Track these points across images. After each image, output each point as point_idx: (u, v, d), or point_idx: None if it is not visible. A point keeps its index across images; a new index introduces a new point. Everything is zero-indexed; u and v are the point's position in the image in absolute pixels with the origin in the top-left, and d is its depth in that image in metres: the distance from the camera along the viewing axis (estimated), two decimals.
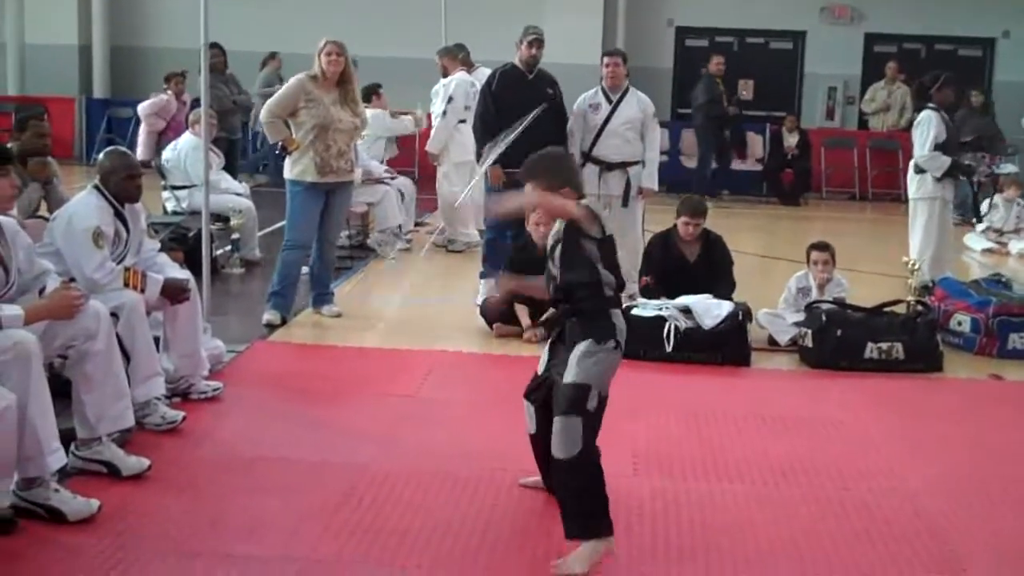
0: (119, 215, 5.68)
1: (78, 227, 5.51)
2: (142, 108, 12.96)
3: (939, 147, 9.07)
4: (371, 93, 11.53)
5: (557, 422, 4.29)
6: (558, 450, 4.28)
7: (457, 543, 4.47)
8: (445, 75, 11.10)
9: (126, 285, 5.53)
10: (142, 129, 13.08)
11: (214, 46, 12.84)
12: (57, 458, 4.51)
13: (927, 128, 9.06)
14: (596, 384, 4.31)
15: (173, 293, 5.75)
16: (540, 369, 4.73)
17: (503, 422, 5.72)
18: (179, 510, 4.70)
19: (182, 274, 5.98)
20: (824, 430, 6.07)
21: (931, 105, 9.20)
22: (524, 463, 5.00)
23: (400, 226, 10.96)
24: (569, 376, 4.33)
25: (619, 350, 4.40)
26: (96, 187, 5.67)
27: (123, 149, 6.10)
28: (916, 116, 9.43)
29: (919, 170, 9.19)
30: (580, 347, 4.34)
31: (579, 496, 4.28)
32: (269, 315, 7.91)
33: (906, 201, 9.77)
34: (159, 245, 6.22)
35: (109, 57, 18.10)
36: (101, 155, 5.89)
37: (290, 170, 7.88)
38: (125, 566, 4.15)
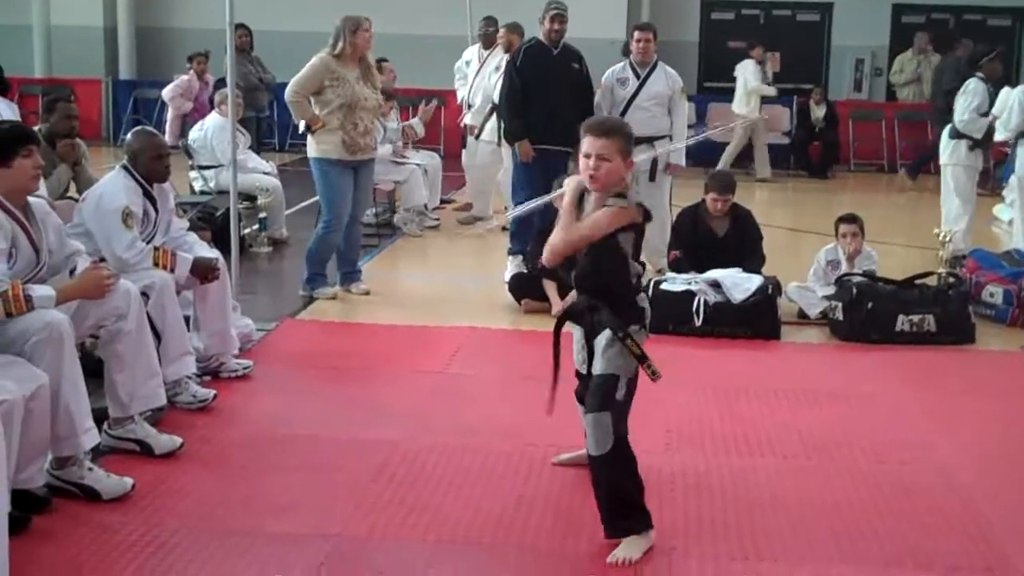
0: (148, 195, 5.69)
1: (107, 207, 5.53)
2: (167, 92, 12.98)
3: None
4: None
5: (587, 420, 4.21)
6: (592, 447, 4.19)
7: (489, 519, 4.47)
8: (508, 50, 10.91)
9: (156, 264, 5.54)
10: (169, 114, 13.12)
11: (240, 26, 12.87)
12: (90, 437, 4.53)
13: (972, 96, 9.23)
14: (623, 372, 4.20)
15: (203, 272, 5.76)
16: (580, 367, 4.54)
17: (533, 398, 5.67)
18: (212, 488, 4.72)
19: (211, 253, 5.99)
20: (856, 403, 6.03)
21: (980, 75, 9.33)
22: (555, 438, 5.00)
23: (426, 204, 10.96)
24: (597, 367, 4.24)
25: (643, 331, 4.29)
26: (125, 167, 5.69)
27: (151, 129, 6.12)
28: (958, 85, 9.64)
29: (955, 135, 9.24)
30: (604, 336, 4.22)
31: (616, 493, 4.20)
32: (323, 291, 7.98)
33: (936, 172, 9.79)
34: (188, 224, 6.23)
35: (135, 38, 18.13)
36: (129, 135, 5.91)
37: (315, 148, 7.87)
38: (159, 544, 4.16)
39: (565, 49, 8.79)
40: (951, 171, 9.38)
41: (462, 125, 11.60)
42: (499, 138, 10.34)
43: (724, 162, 15.07)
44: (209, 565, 4.02)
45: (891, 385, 6.41)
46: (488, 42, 11.52)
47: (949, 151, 9.38)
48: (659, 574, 4.08)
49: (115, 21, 18.03)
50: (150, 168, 5.68)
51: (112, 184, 5.65)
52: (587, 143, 4.17)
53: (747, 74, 15.24)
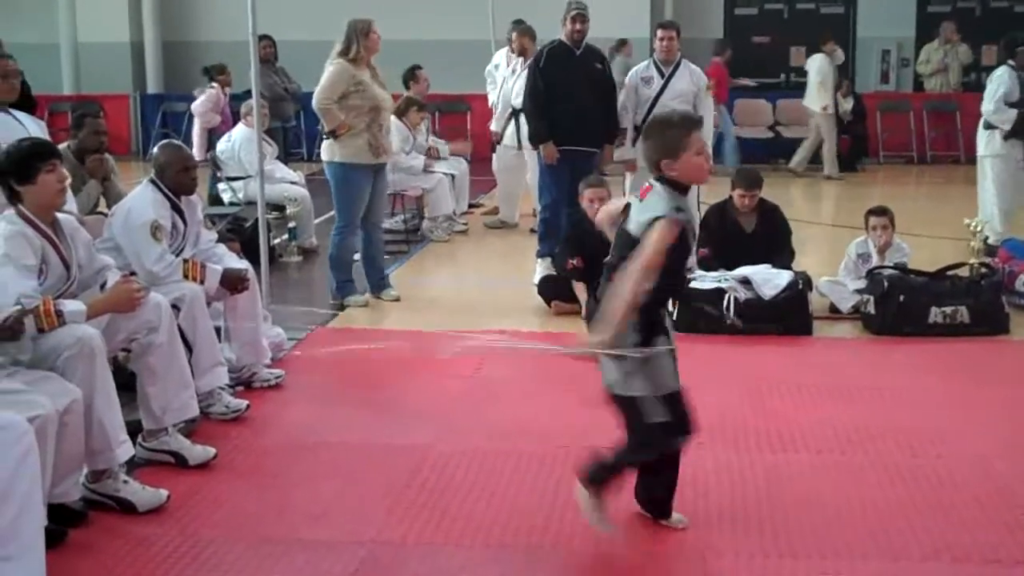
0: (176, 208, 5.73)
1: (136, 221, 5.56)
2: (196, 106, 13.03)
3: (1011, 106, 9.12)
4: (409, 77, 11.51)
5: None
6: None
7: (523, 523, 4.47)
8: (521, 54, 10.92)
9: (185, 277, 5.57)
10: (196, 128, 13.17)
11: (264, 37, 12.93)
12: (125, 450, 4.56)
13: (998, 84, 9.12)
14: (650, 391, 4.09)
15: (232, 283, 5.79)
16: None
17: (564, 400, 5.72)
18: (246, 497, 4.74)
19: (240, 264, 6.02)
20: (890, 397, 6.00)
21: (1011, 63, 9.23)
22: (587, 440, 4.98)
23: (454, 211, 10.98)
24: (619, 388, 4.12)
25: (667, 346, 4.14)
26: (152, 181, 5.72)
27: (177, 143, 6.15)
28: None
29: (988, 126, 9.16)
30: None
31: (621, 459, 4.22)
32: (355, 299, 8.03)
33: (967, 163, 9.71)
34: (216, 236, 6.27)
35: (161, 53, 18.26)
36: (156, 149, 5.94)
37: (339, 153, 7.84)
38: (194, 554, 4.19)
39: (588, 49, 8.81)
40: (988, 162, 9.30)
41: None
42: (519, 142, 10.38)
43: (799, 160, 14.97)
44: (244, 574, 4.05)
45: (925, 378, 6.37)
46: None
47: (984, 142, 9.31)
48: (693, 572, 4.06)
49: (141, 36, 18.18)
50: (177, 181, 5.71)
51: (140, 198, 5.69)
52: None
53: (819, 68, 14.88)
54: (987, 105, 9.12)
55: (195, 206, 5.91)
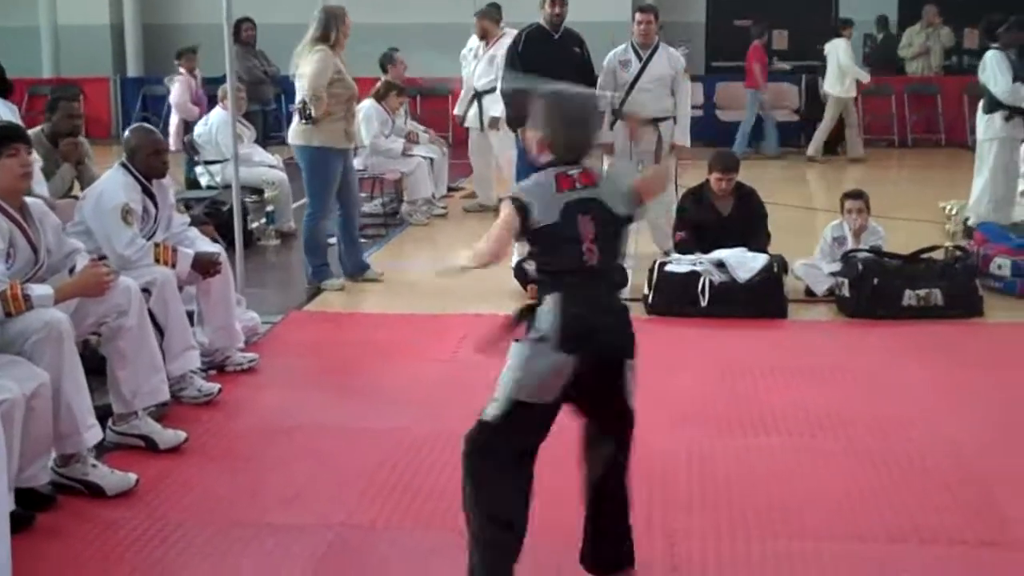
0: (147, 191, 5.71)
1: (107, 205, 5.55)
2: (174, 98, 12.90)
3: None
4: (387, 61, 11.47)
5: None
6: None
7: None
8: (483, 38, 10.91)
9: (157, 261, 5.55)
10: (173, 119, 13.08)
11: (245, 20, 12.88)
12: (93, 434, 4.55)
13: (998, 67, 8.99)
14: (504, 390, 3.58)
15: (204, 267, 5.78)
16: None
17: None
18: (216, 481, 4.74)
19: (212, 247, 6.00)
20: (862, 380, 6.02)
21: (995, 45, 9.16)
22: (562, 424, 4.97)
23: (433, 194, 10.97)
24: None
25: (544, 343, 3.52)
26: (123, 164, 5.70)
27: (148, 126, 6.12)
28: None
29: (989, 109, 9.11)
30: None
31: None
32: (331, 283, 8.05)
33: (947, 146, 9.67)
34: (189, 220, 6.25)
35: (142, 35, 18.16)
36: (126, 132, 5.92)
37: (316, 138, 7.82)
38: (163, 538, 4.19)
39: (566, 33, 8.78)
40: (988, 146, 9.24)
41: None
42: (481, 124, 10.44)
43: (815, 144, 14.95)
44: (213, 558, 4.05)
45: (898, 361, 6.38)
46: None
47: (983, 126, 9.24)
48: (661, 554, 4.07)
49: (121, 19, 18.09)
50: (148, 164, 5.69)
51: (111, 182, 5.67)
52: None
53: (840, 53, 14.78)
54: (998, 88, 9.00)
55: (166, 190, 5.89)
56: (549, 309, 3.55)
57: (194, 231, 6.08)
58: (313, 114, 7.75)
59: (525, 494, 3.60)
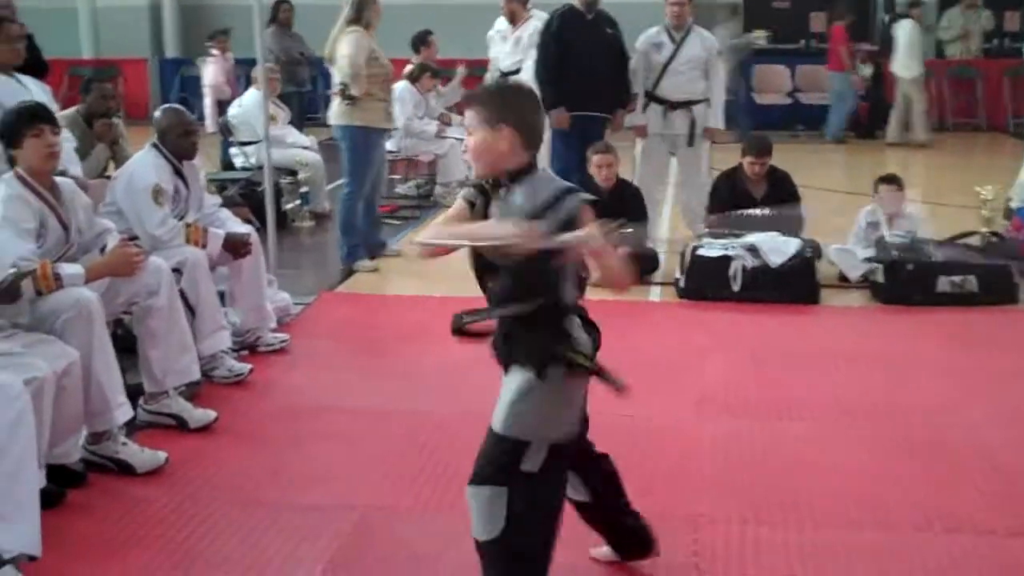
0: (178, 172, 5.75)
1: (138, 185, 5.59)
2: (208, 78, 12.94)
3: None
4: (420, 42, 11.46)
5: (469, 492, 3.25)
6: (476, 530, 3.26)
7: None
8: (512, 20, 10.90)
9: (188, 241, 5.59)
10: (207, 100, 13.12)
11: (284, 1, 12.92)
12: (123, 412, 4.60)
13: None
14: (537, 436, 3.16)
15: (235, 247, 5.81)
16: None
17: None
18: (244, 460, 4.77)
19: (243, 228, 6.04)
20: (893, 366, 5.98)
21: None
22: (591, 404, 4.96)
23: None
24: (496, 422, 3.21)
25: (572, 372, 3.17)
26: (154, 145, 5.75)
27: (178, 107, 6.16)
28: None
29: None
30: (515, 378, 3.21)
31: None
32: (363, 264, 8.14)
33: (988, 130, 9.54)
34: (220, 200, 6.28)
35: (179, 16, 18.25)
36: (157, 113, 5.96)
37: (358, 118, 7.95)
38: (189, 516, 4.23)
39: (599, 15, 8.76)
40: None
41: None
42: None
43: (892, 131, 14.77)
44: (237, 536, 4.08)
45: (930, 348, 6.34)
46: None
47: None
48: (684, 541, 4.07)
49: (159, 0, 18.17)
50: (178, 145, 5.73)
51: (142, 163, 5.72)
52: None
53: (908, 34, 14.63)
54: None
55: (196, 171, 5.93)
56: (574, 328, 3.29)
57: (225, 212, 6.13)
58: (354, 93, 7.80)
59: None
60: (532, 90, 3.45)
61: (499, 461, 3.17)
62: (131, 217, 5.57)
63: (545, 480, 3.16)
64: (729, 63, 14.44)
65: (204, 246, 5.63)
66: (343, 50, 7.86)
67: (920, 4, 15.00)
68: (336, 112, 8.03)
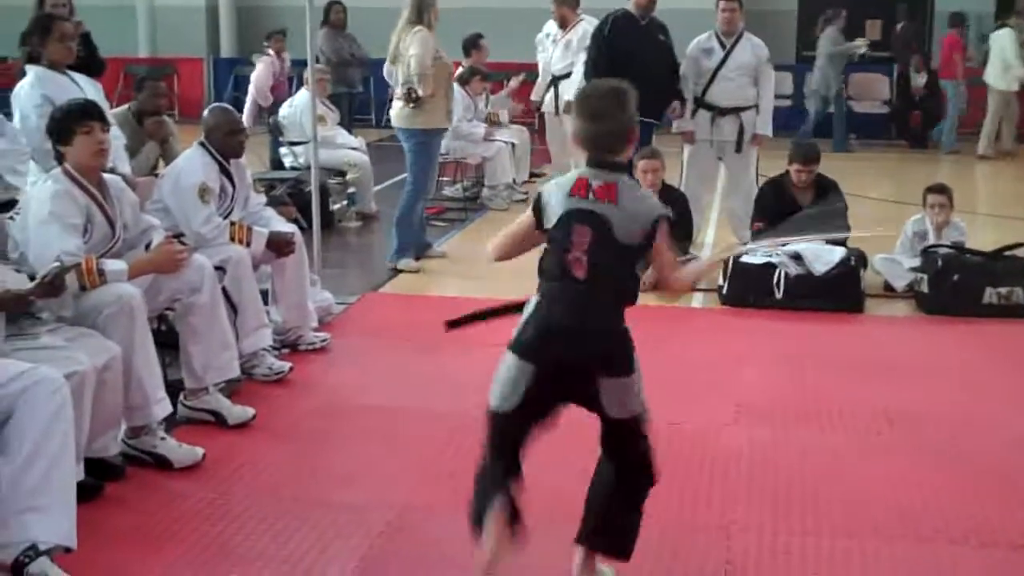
0: (224, 171, 5.81)
1: (185, 183, 5.66)
2: (255, 78, 12.96)
3: None
4: (471, 45, 11.49)
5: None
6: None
7: (550, 492, 4.46)
8: (562, 25, 10.92)
9: (232, 239, 5.65)
10: (248, 97, 13.18)
11: (336, 3, 13.00)
12: (163, 407, 4.65)
13: None
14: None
15: (278, 247, 5.86)
16: None
17: None
18: (281, 458, 4.82)
19: (287, 227, 6.09)
20: (935, 377, 5.93)
21: None
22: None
23: (514, 179, 11.00)
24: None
25: (510, 349, 3.56)
26: (201, 144, 5.81)
27: (226, 106, 6.23)
28: None
29: None
30: None
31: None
32: (407, 263, 8.20)
33: None
34: (265, 199, 6.34)
35: (235, 16, 18.42)
36: (205, 112, 6.03)
37: (422, 120, 8.05)
38: (225, 511, 4.28)
39: (652, 20, 8.77)
40: None
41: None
42: (557, 108, 10.39)
43: (984, 142, 14.58)
44: (271, 532, 4.12)
45: (974, 360, 6.28)
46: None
47: None
48: (716, 547, 4.06)
49: (216, 0, 18.35)
50: (225, 144, 5.80)
51: (189, 161, 5.79)
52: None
53: (1005, 44, 14.33)
54: None
55: (243, 169, 5.99)
56: (525, 312, 3.54)
57: (270, 211, 6.18)
58: (420, 93, 7.90)
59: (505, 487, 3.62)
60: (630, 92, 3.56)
61: None
62: (177, 215, 5.65)
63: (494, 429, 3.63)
64: (833, 70, 14.43)
65: (248, 244, 5.69)
66: (412, 49, 7.93)
67: (1020, 13, 14.74)
68: (399, 114, 8.12)
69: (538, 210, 3.54)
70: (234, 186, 5.87)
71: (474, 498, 3.62)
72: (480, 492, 3.61)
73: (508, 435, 3.62)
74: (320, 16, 12.34)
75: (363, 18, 14.22)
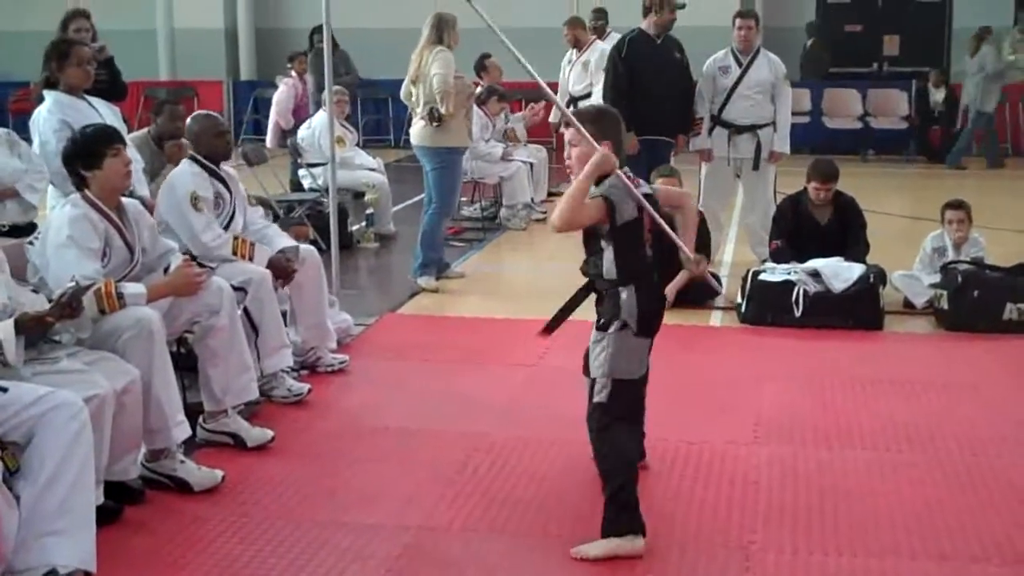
0: (217, 177, 5.81)
1: (176, 195, 5.67)
2: (280, 101, 12.97)
3: None
4: (479, 67, 11.52)
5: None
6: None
7: (569, 512, 4.48)
8: (576, 46, 11.00)
9: (234, 254, 5.65)
10: (271, 119, 13.19)
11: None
12: (182, 430, 4.67)
13: None
14: (605, 374, 4.17)
15: (277, 270, 5.77)
16: None
17: None
18: (299, 479, 4.82)
19: (290, 242, 6.05)
20: (956, 395, 5.90)
21: None
22: (651, 430, 4.92)
23: (532, 199, 11.02)
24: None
25: (627, 330, 4.14)
26: (191, 157, 5.85)
27: (208, 112, 6.25)
28: None
29: None
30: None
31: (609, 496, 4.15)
32: (427, 281, 8.22)
33: None
34: (262, 211, 6.37)
35: (254, 39, 18.54)
36: (188, 120, 6.08)
37: (444, 139, 8.11)
38: (244, 534, 4.28)
39: (668, 39, 8.78)
40: None
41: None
42: None
43: None
44: (290, 555, 4.12)
45: (995, 376, 6.25)
46: (597, 33, 11.58)
47: None
48: (735, 565, 4.05)
49: (235, 23, 18.49)
50: (212, 146, 5.83)
51: (179, 174, 5.81)
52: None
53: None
54: None
55: (235, 178, 5.99)
56: (627, 300, 4.10)
57: (274, 228, 6.16)
58: (443, 112, 7.94)
59: (639, 443, 4.59)
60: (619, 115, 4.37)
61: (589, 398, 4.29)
62: (178, 230, 5.61)
63: (623, 404, 4.24)
64: (992, 85, 14.36)
65: (251, 259, 5.68)
66: (434, 68, 7.98)
67: None
68: (421, 134, 8.16)
69: (611, 208, 4.04)
70: (230, 191, 5.85)
71: (621, 490, 4.09)
72: (627, 484, 4.10)
73: (640, 397, 4.40)
74: (342, 39, 12.38)
75: (356, 40, 14.17)
